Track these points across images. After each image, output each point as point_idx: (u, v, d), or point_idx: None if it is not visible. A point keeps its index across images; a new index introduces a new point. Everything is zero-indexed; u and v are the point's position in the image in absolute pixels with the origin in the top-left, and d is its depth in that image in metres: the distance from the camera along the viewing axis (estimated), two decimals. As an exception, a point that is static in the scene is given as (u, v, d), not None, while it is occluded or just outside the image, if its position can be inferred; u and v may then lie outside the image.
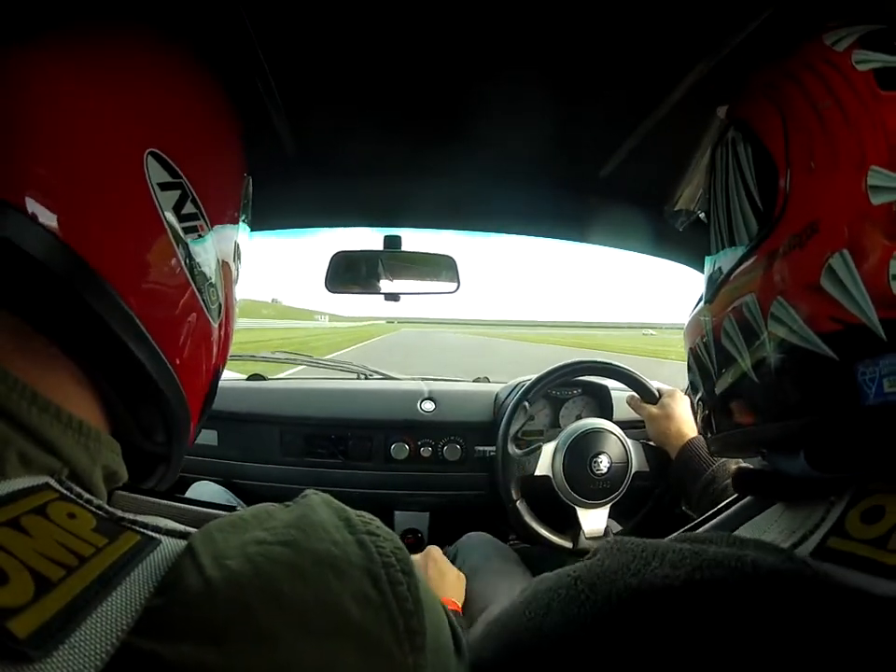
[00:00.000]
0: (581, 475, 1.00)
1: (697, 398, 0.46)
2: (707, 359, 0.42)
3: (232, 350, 0.44)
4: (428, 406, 1.21)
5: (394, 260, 0.94)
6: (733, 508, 0.56)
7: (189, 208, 0.34)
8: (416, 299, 1.00)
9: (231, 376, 1.42)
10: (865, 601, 0.24)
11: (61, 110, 0.28)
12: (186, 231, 0.33)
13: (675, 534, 0.37)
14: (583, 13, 0.48)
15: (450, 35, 0.53)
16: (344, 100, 0.65)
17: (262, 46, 0.50)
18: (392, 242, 0.93)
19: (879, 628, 0.23)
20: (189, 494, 1.09)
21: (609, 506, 1.03)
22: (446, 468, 1.18)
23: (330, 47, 0.54)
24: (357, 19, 0.50)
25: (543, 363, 1.14)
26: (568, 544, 1.01)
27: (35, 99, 0.27)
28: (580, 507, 1.01)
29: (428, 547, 0.82)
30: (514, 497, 1.02)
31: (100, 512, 0.24)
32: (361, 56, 0.56)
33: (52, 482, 0.24)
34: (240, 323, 0.46)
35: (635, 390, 1.07)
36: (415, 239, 1.03)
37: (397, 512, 1.16)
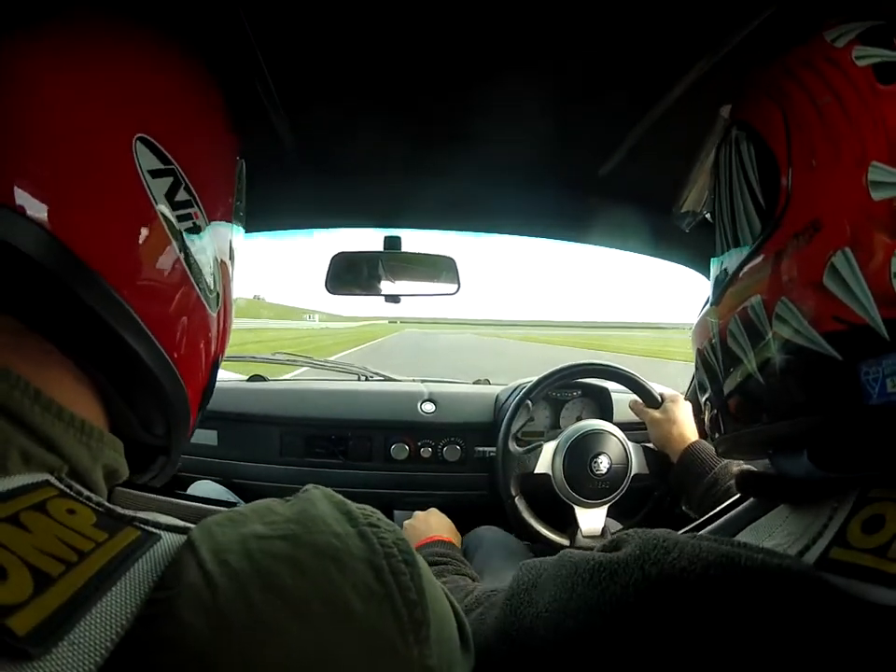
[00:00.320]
0: (581, 475, 1.01)
1: (705, 398, 0.46)
2: (713, 360, 0.42)
3: (230, 351, 0.44)
4: (429, 407, 1.21)
5: (394, 261, 0.94)
6: (735, 510, 0.56)
7: (182, 195, 0.33)
8: (419, 298, 1.00)
9: (231, 377, 1.42)
10: (868, 610, 0.24)
11: (44, 100, 0.27)
12: (180, 219, 0.32)
13: (683, 531, 0.37)
14: (583, 12, 0.48)
15: (449, 35, 0.53)
16: (343, 99, 0.65)
17: (261, 46, 0.50)
18: (392, 243, 0.93)
19: (882, 636, 0.23)
20: (190, 493, 1.09)
21: (607, 506, 1.03)
22: (446, 468, 1.18)
23: (329, 46, 0.54)
24: (357, 17, 0.50)
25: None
26: (565, 542, 1.01)
27: (17, 90, 0.26)
28: (578, 506, 1.02)
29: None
30: (513, 493, 1.02)
31: (100, 509, 0.24)
32: (360, 55, 0.56)
33: (52, 479, 0.24)
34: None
35: (637, 394, 1.07)
36: (415, 240, 1.03)
37: (396, 512, 1.16)
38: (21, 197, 0.25)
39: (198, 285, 0.35)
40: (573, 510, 1.02)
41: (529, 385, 1.07)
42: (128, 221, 0.30)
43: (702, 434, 0.95)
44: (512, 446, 1.04)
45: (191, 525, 0.25)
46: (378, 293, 0.95)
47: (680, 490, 0.92)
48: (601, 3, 0.47)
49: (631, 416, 1.08)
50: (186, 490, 1.10)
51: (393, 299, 0.96)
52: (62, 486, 0.24)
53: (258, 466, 1.17)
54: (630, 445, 1.03)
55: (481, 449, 1.12)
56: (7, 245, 0.25)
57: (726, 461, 0.83)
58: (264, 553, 0.22)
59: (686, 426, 0.97)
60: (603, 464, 1.00)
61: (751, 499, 0.52)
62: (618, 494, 1.02)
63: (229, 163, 0.42)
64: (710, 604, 0.28)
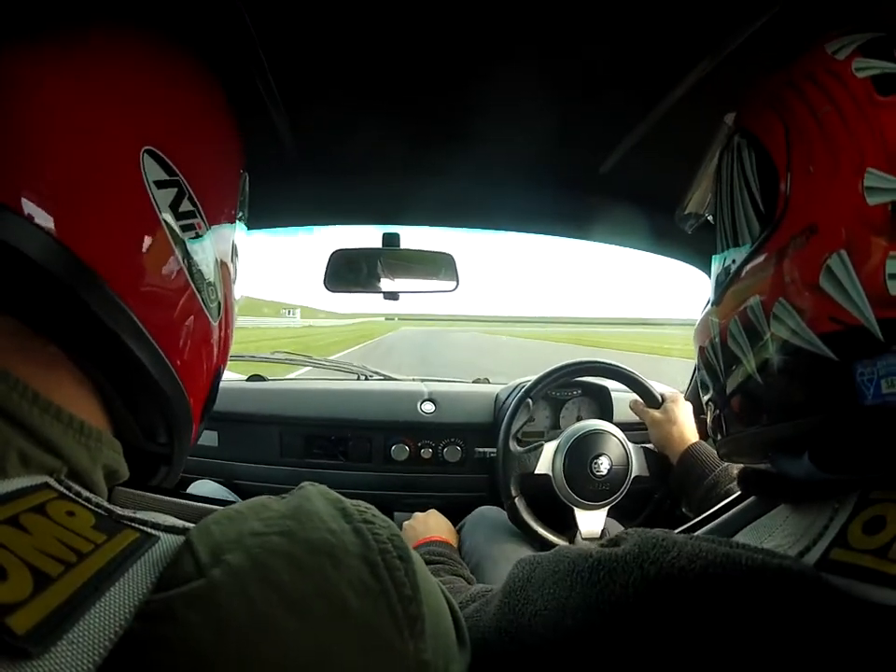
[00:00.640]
0: (581, 476, 1.00)
1: (707, 398, 0.46)
2: (714, 360, 0.42)
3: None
4: (428, 407, 1.21)
5: (393, 259, 0.94)
6: (734, 510, 0.56)
7: (186, 206, 0.33)
8: (417, 294, 1.00)
9: (231, 377, 1.42)
10: (869, 610, 0.24)
11: (55, 110, 0.27)
12: (183, 228, 0.33)
13: (680, 529, 0.38)
14: (584, 11, 0.48)
15: (450, 33, 0.53)
16: (344, 98, 0.65)
17: (262, 44, 0.50)
18: (390, 240, 0.93)
19: (882, 637, 0.23)
20: (190, 492, 1.08)
21: (607, 508, 1.02)
22: (446, 469, 1.18)
23: (330, 45, 0.54)
24: (357, 16, 0.50)
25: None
26: (565, 544, 1.00)
27: (28, 100, 0.27)
28: (578, 507, 1.01)
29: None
30: (513, 493, 1.02)
31: (99, 510, 0.24)
32: (361, 54, 0.56)
33: (51, 481, 0.24)
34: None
35: (637, 393, 1.07)
36: (414, 236, 1.03)
37: (396, 513, 1.16)
38: (29, 202, 0.26)
39: (200, 294, 0.35)
40: (573, 511, 1.01)
41: (529, 383, 1.07)
42: (133, 230, 0.30)
43: (702, 435, 0.96)
44: (513, 446, 1.04)
45: (190, 526, 0.25)
46: (377, 290, 0.95)
47: (680, 492, 0.92)
48: (602, 2, 0.47)
49: (631, 416, 1.07)
50: (186, 490, 1.10)
51: (392, 296, 0.96)
52: (61, 488, 0.24)
53: (258, 467, 1.17)
54: (630, 447, 1.03)
55: (481, 450, 1.12)
56: (10, 247, 0.25)
57: (726, 463, 0.83)
58: (261, 549, 0.23)
59: (686, 427, 0.96)
60: (603, 465, 1.00)
61: (750, 499, 0.52)
62: (618, 496, 1.01)
63: (233, 174, 0.42)
64: (710, 603, 0.28)
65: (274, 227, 0.99)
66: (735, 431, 0.42)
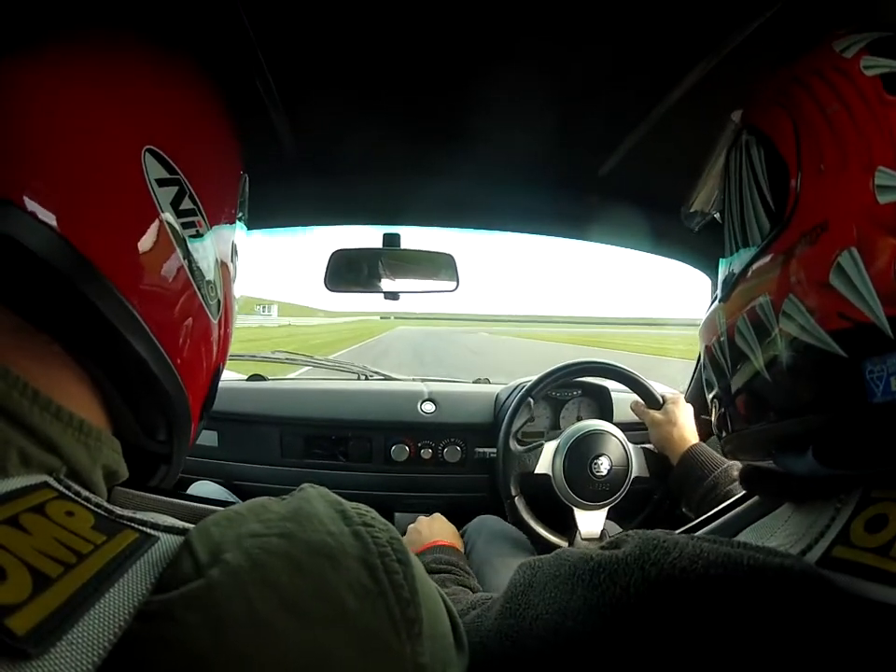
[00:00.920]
0: (581, 476, 1.00)
1: (712, 395, 0.47)
2: (721, 358, 0.42)
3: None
4: (429, 407, 1.21)
5: (393, 259, 0.94)
6: (736, 510, 0.56)
7: (186, 204, 0.34)
8: (413, 293, 1.00)
9: (231, 377, 1.42)
10: (870, 608, 0.24)
11: (57, 111, 0.28)
12: (184, 226, 0.33)
13: (679, 530, 0.38)
14: (584, 12, 0.48)
15: (450, 34, 0.53)
16: (344, 98, 0.65)
17: (261, 44, 0.50)
18: (391, 240, 0.93)
19: (883, 635, 0.23)
20: (190, 493, 1.08)
21: (606, 508, 1.02)
22: (446, 469, 1.18)
23: (330, 44, 0.54)
24: (356, 16, 0.50)
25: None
26: (564, 544, 1.01)
27: (30, 101, 0.27)
28: (577, 508, 1.01)
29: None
30: (513, 492, 1.02)
31: (98, 510, 0.24)
32: (360, 53, 0.56)
33: (51, 480, 0.24)
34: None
35: (638, 393, 1.07)
36: (415, 237, 1.02)
37: (397, 514, 1.16)
38: (31, 198, 0.26)
39: (200, 291, 0.35)
40: (572, 511, 1.01)
41: (530, 383, 1.07)
42: (134, 227, 0.31)
43: (702, 436, 0.96)
44: (513, 445, 1.04)
45: (190, 526, 0.25)
46: (378, 290, 0.95)
47: (680, 493, 0.92)
48: (603, 2, 0.47)
49: (630, 416, 1.08)
50: (186, 491, 1.09)
51: (392, 296, 0.96)
52: (60, 488, 0.24)
53: (258, 467, 1.17)
54: (630, 447, 1.03)
55: (481, 450, 1.12)
56: (19, 245, 0.25)
57: (726, 465, 0.84)
58: (261, 550, 0.23)
59: (686, 428, 0.97)
60: (603, 465, 1.00)
61: (752, 500, 0.52)
62: (618, 496, 1.02)
63: (233, 174, 0.43)
64: (711, 604, 0.28)
65: (274, 227, 0.99)
66: (740, 428, 0.42)
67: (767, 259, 0.35)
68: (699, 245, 0.97)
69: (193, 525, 0.25)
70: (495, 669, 0.39)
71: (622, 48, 0.53)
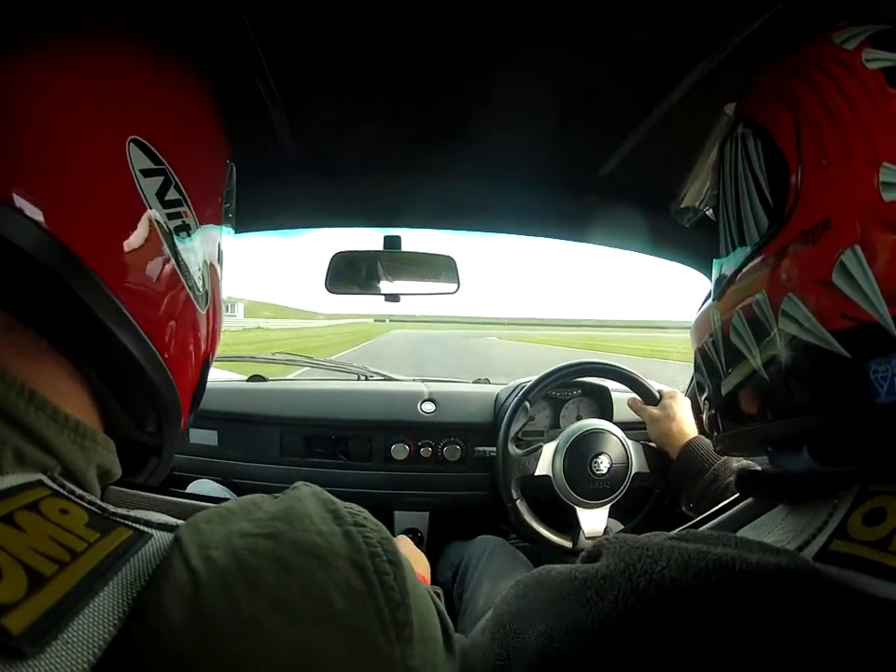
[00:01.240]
0: (581, 475, 1.00)
1: (704, 397, 0.46)
2: (714, 358, 0.42)
3: (229, 352, 0.44)
4: (429, 407, 1.21)
5: (394, 261, 0.94)
6: (734, 508, 0.56)
7: (172, 195, 0.34)
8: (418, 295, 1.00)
9: (231, 377, 1.42)
10: (868, 603, 0.24)
11: (42, 102, 0.28)
12: (170, 217, 0.33)
13: (676, 530, 0.37)
14: (584, 12, 0.48)
15: (450, 34, 0.53)
16: (343, 96, 0.65)
17: (260, 43, 0.50)
18: (392, 242, 0.93)
19: (882, 630, 0.23)
20: (189, 491, 1.08)
21: (608, 506, 1.03)
22: (446, 468, 1.18)
23: (330, 43, 0.54)
24: (357, 15, 0.50)
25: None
26: (568, 544, 1.01)
27: (14, 92, 0.27)
28: (579, 507, 1.01)
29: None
30: (514, 496, 1.02)
31: (92, 508, 0.24)
32: (361, 53, 0.56)
33: (45, 479, 0.24)
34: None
35: (635, 392, 1.07)
36: (416, 239, 1.01)
37: (396, 512, 1.16)
38: (18, 194, 0.26)
39: (187, 283, 0.35)
40: (574, 511, 1.02)
41: (528, 385, 1.07)
42: (119, 218, 0.31)
43: (701, 430, 0.96)
44: (512, 449, 1.04)
45: (181, 523, 0.25)
46: (378, 292, 0.95)
47: (680, 487, 0.92)
48: (602, 3, 0.47)
49: (632, 415, 1.08)
50: (185, 489, 1.10)
51: (393, 298, 0.96)
52: (55, 486, 0.24)
53: (258, 466, 1.17)
54: (630, 444, 1.03)
55: (481, 449, 1.12)
56: (5, 241, 0.25)
57: (726, 457, 0.83)
58: (248, 551, 0.23)
59: (685, 422, 0.97)
60: (603, 464, 1.00)
61: (750, 499, 0.52)
62: (619, 493, 1.02)
63: (219, 165, 0.42)
64: (705, 613, 0.27)
65: (273, 228, 0.99)
66: (732, 428, 0.42)
67: (765, 255, 0.35)
68: (701, 247, 0.97)
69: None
70: None
71: (622, 48, 0.53)
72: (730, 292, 0.39)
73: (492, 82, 0.61)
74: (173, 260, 0.34)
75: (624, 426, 1.06)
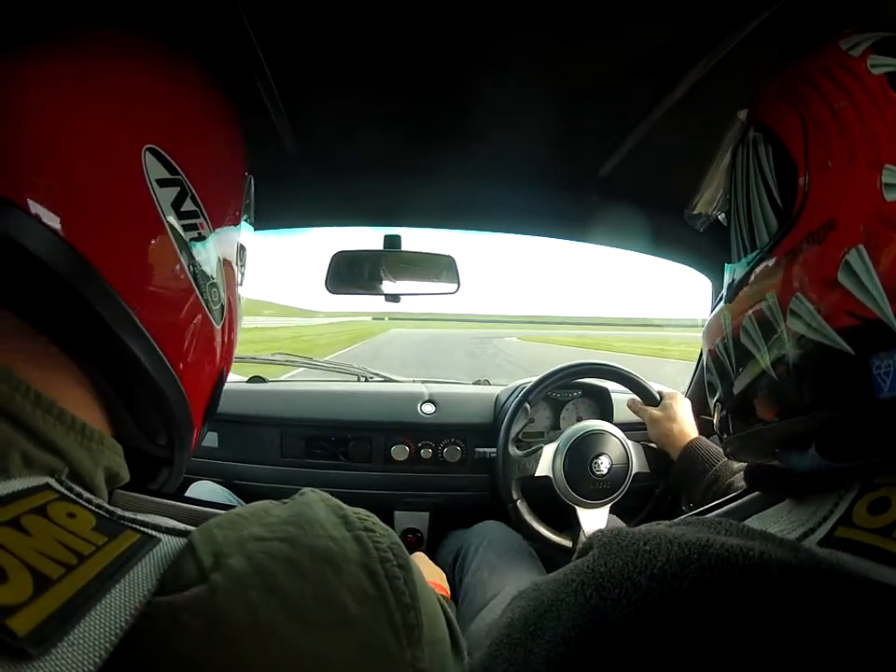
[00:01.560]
0: (582, 476, 1.01)
1: (715, 399, 0.46)
2: (725, 359, 0.42)
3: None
4: (429, 408, 1.21)
5: (394, 260, 0.94)
6: (740, 500, 0.56)
7: (188, 205, 0.33)
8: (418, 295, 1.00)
9: (231, 378, 1.41)
10: (872, 590, 0.24)
11: (59, 110, 0.28)
12: (186, 228, 0.33)
13: (682, 517, 0.37)
14: (584, 12, 0.48)
15: (450, 34, 0.53)
16: (345, 98, 0.65)
17: (261, 45, 0.50)
18: (392, 241, 0.93)
19: (885, 618, 0.23)
20: (189, 493, 1.08)
21: (609, 506, 1.03)
22: (446, 469, 1.18)
23: (330, 45, 0.54)
24: (357, 16, 0.50)
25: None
26: (568, 543, 1.01)
27: (33, 100, 0.27)
28: (580, 507, 1.01)
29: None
30: (514, 496, 1.02)
31: (100, 511, 0.24)
32: (362, 54, 0.56)
33: (53, 482, 0.24)
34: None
35: (635, 393, 1.07)
36: (416, 239, 1.00)
37: (397, 513, 1.16)
38: (34, 201, 0.26)
39: (202, 295, 0.35)
40: (575, 510, 1.02)
41: (528, 386, 1.07)
42: (134, 228, 0.30)
43: (701, 431, 0.96)
44: (512, 450, 1.04)
45: (192, 528, 0.25)
46: (379, 292, 0.95)
47: (681, 488, 0.93)
48: (602, 2, 0.47)
49: (632, 416, 1.08)
50: (186, 491, 1.09)
51: (393, 298, 0.96)
52: (62, 489, 0.24)
53: (258, 467, 1.17)
54: (630, 444, 1.03)
55: (481, 450, 1.12)
56: (20, 247, 0.25)
57: (726, 458, 0.83)
58: (263, 554, 0.23)
59: (686, 423, 0.97)
60: (603, 464, 1.00)
61: (755, 493, 0.52)
62: (619, 493, 1.02)
63: (237, 176, 0.42)
64: (709, 611, 0.27)
65: (274, 228, 0.99)
66: (742, 429, 0.42)
67: (775, 257, 0.35)
68: (701, 247, 0.97)
69: (195, 528, 0.25)
70: None
71: (622, 47, 0.53)
72: (741, 294, 0.40)
73: (492, 82, 0.61)
74: (188, 272, 0.33)
75: (625, 426, 1.06)
